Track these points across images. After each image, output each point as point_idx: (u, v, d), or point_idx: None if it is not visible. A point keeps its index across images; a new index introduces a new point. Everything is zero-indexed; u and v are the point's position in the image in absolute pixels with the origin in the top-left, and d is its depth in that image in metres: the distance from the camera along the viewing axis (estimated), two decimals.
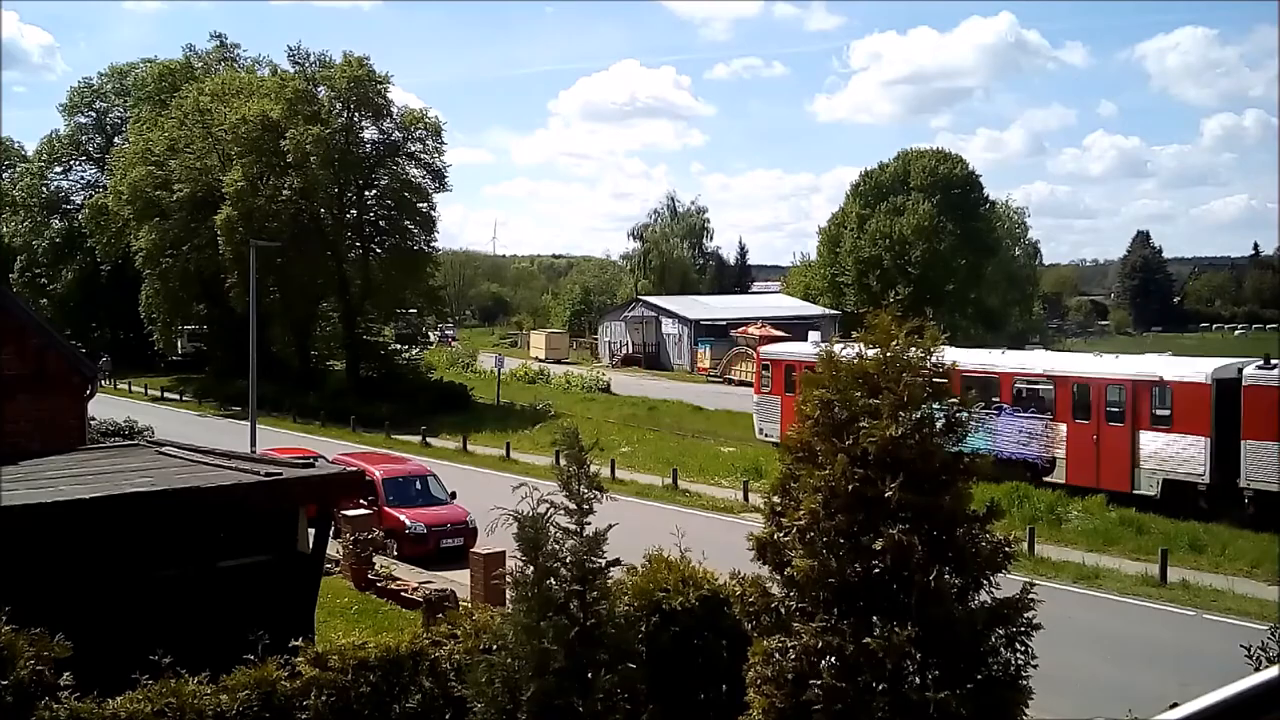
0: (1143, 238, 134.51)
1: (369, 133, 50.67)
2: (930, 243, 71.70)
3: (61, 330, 28.33)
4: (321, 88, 50.28)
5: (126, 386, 54.97)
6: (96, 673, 7.56)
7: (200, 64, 60.47)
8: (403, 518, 21.38)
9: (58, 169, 68.36)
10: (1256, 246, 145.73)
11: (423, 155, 50.52)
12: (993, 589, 7.35)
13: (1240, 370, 23.33)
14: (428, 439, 37.62)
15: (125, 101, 64.33)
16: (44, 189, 66.92)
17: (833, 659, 6.96)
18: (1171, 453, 23.71)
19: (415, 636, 9.41)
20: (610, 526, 7.25)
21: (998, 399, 27.20)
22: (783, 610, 7.45)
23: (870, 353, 7.47)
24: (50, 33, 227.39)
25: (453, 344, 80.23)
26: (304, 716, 8.02)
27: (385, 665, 8.53)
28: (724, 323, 66.64)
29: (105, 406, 33.61)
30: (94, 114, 67.68)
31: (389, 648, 8.74)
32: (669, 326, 70.16)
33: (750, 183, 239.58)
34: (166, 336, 55.08)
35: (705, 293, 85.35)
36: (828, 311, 72.87)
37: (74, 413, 14.40)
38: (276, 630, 8.76)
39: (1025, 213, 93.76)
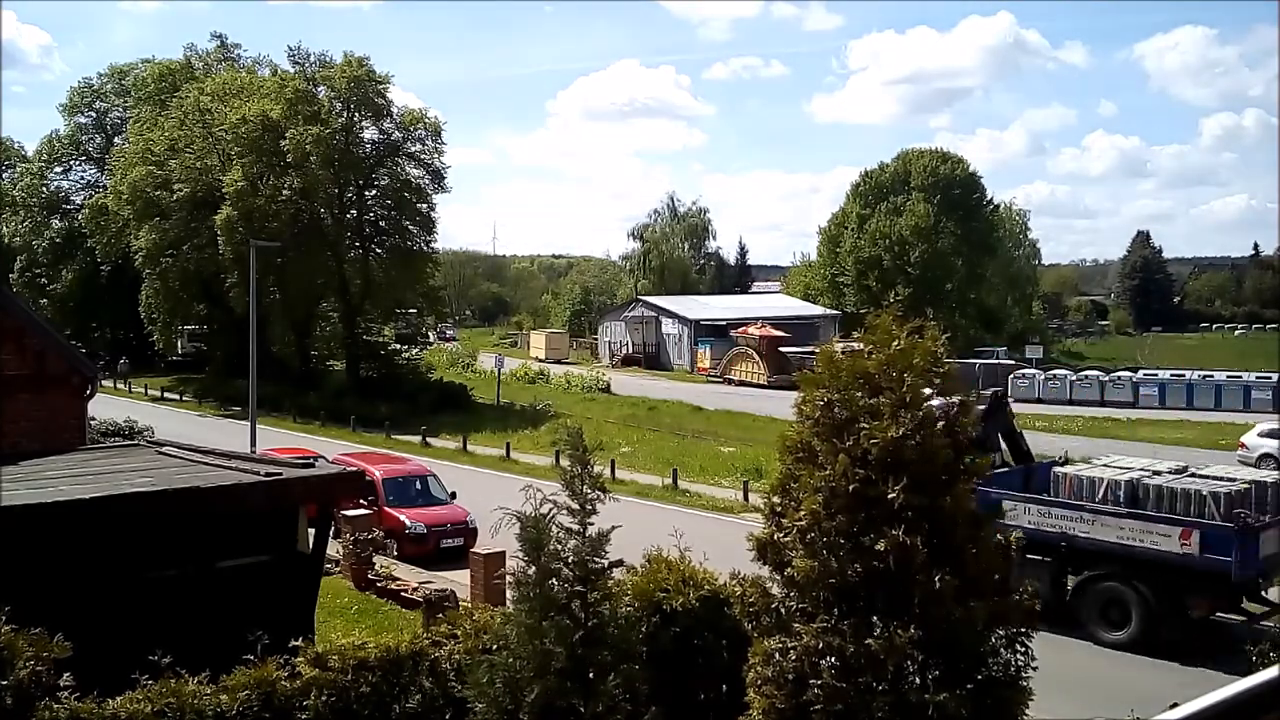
0: (1143, 238, 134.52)
1: (369, 133, 50.76)
2: (930, 243, 71.73)
3: (61, 330, 28.32)
4: (321, 88, 50.30)
5: (126, 386, 54.99)
6: (96, 673, 7.55)
7: (200, 64, 60.46)
8: (403, 518, 21.39)
9: (58, 169, 68.28)
10: (1256, 246, 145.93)
11: (422, 155, 50.59)
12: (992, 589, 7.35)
13: None
14: (428, 439, 37.61)
15: (125, 101, 64.29)
16: (44, 189, 66.85)
17: (833, 660, 6.96)
18: None
19: (415, 636, 9.41)
20: (614, 528, 7.25)
21: None
22: (783, 611, 7.45)
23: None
24: (48, 32, 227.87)
25: (451, 343, 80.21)
26: (304, 717, 8.01)
27: (385, 665, 8.53)
28: (724, 323, 66.66)
29: (105, 406, 33.60)
30: (94, 114, 67.63)
31: (389, 648, 8.73)
32: (669, 326, 70.16)
33: (750, 183, 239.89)
34: (166, 336, 55.05)
35: (705, 293, 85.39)
36: (828, 311, 72.89)
37: (74, 413, 14.40)
38: (276, 630, 8.75)
39: (1027, 215, 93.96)
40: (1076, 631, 16.39)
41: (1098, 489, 17.06)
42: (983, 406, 18.67)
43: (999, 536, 7.51)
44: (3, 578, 8.39)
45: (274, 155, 46.94)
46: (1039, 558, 16.40)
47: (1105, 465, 18.47)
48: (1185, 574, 15.76)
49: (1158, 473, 17.52)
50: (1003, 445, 19.42)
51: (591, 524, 7.16)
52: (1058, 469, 18.33)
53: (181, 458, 12.72)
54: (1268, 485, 16.86)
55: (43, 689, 7.21)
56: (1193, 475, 17.45)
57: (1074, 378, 51.75)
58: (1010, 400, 22.62)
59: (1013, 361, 58.11)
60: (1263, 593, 16.92)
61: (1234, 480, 16.85)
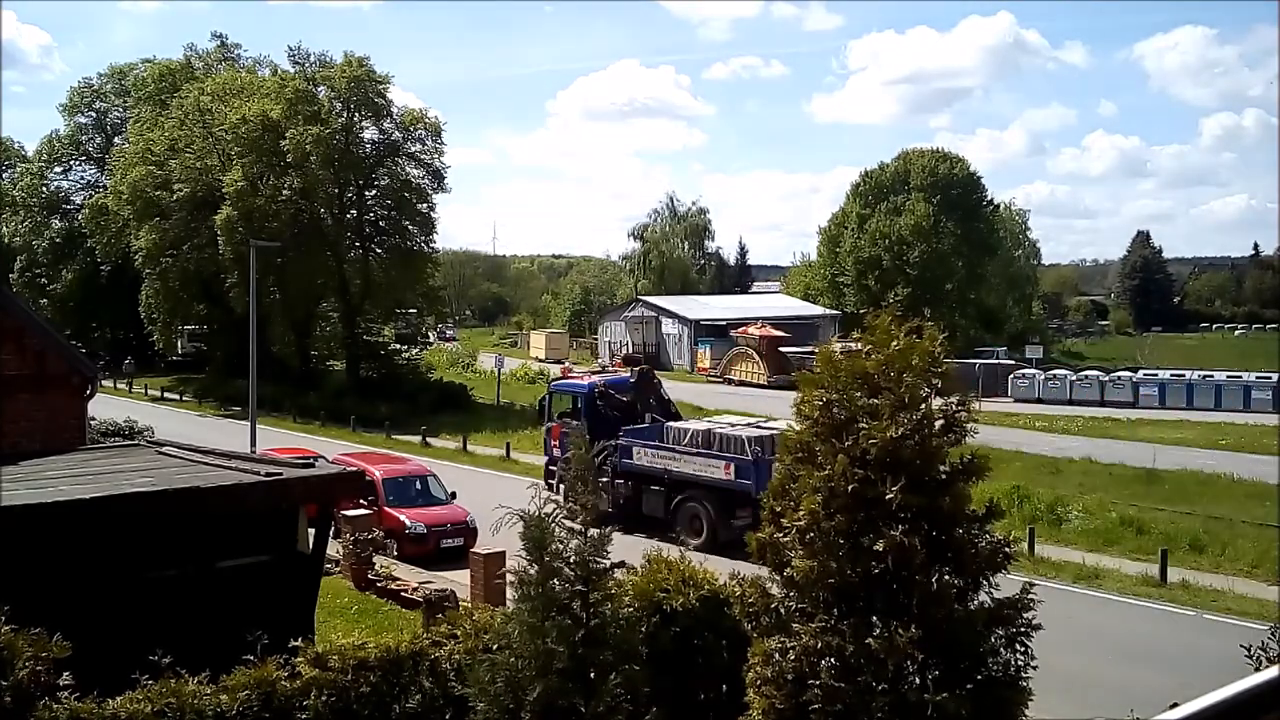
0: (1143, 238, 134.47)
1: (369, 133, 50.76)
2: (930, 243, 71.72)
3: (61, 330, 28.29)
4: (321, 88, 50.30)
5: (127, 386, 54.99)
6: (96, 673, 7.56)
7: (200, 64, 60.44)
8: (403, 518, 21.38)
9: (58, 169, 68.23)
10: (1256, 246, 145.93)
11: (422, 155, 50.58)
12: (992, 589, 7.35)
13: None
14: (428, 439, 37.58)
15: (125, 101, 64.26)
16: (44, 189, 66.80)
17: (833, 660, 6.96)
18: None
19: (415, 636, 9.41)
20: (615, 528, 7.25)
21: None
22: (783, 611, 7.45)
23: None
24: (48, 32, 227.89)
25: (451, 343, 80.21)
26: (304, 717, 8.01)
27: (385, 665, 8.53)
28: (724, 323, 66.63)
29: (105, 406, 33.59)
30: (94, 114, 67.58)
31: (389, 648, 8.73)
32: (669, 326, 70.15)
33: (750, 183, 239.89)
34: (166, 336, 55.02)
35: (705, 293, 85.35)
36: (828, 311, 72.88)
37: (74, 413, 14.39)
38: (276, 630, 8.76)
39: (1027, 215, 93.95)
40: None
41: (685, 437, 22.83)
42: (633, 380, 26.45)
43: (998, 535, 7.52)
44: (3, 578, 8.40)
45: (274, 155, 46.93)
46: (657, 487, 23.06)
47: (701, 420, 25.12)
48: (729, 494, 21.58)
49: (733, 425, 23.48)
50: (668, 408, 26.19)
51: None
52: (669, 424, 23.97)
53: (181, 458, 12.72)
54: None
55: (43, 689, 7.21)
56: (750, 427, 23.05)
57: (1074, 378, 51.73)
58: (658, 376, 28.83)
59: (1013, 361, 58.06)
60: None
61: (771, 429, 21.94)
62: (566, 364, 40.19)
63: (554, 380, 28.59)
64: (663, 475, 22.86)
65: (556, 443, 25.69)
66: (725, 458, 21.78)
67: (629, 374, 27.86)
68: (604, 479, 22.86)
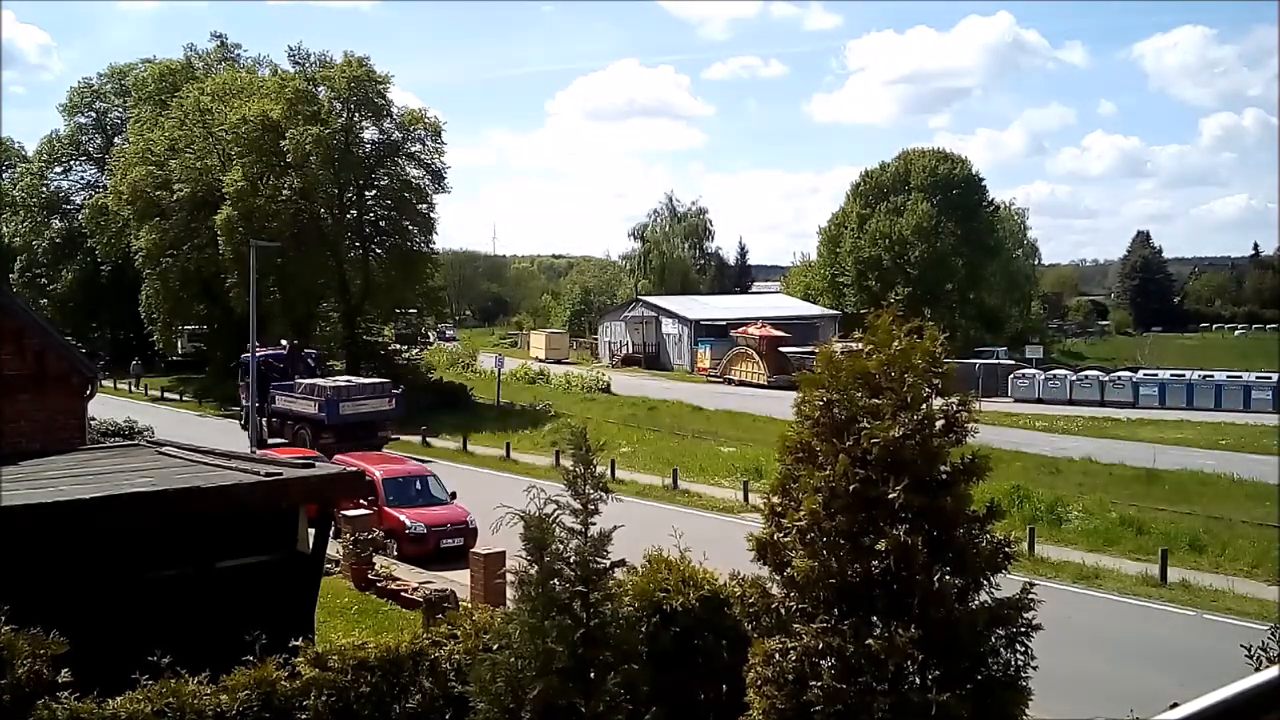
0: (1143, 238, 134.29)
1: (369, 133, 50.73)
2: (930, 243, 71.69)
3: (61, 330, 28.26)
4: (321, 88, 50.28)
5: (127, 386, 54.98)
6: (96, 673, 7.55)
7: (200, 64, 60.43)
8: (403, 518, 21.39)
9: (58, 169, 68.19)
10: (1256, 246, 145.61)
11: (422, 155, 50.57)
12: (993, 589, 7.35)
13: None
14: (428, 439, 37.60)
15: (125, 101, 64.19)
16: (44, 189, 66.75)
17: (833, 660, 6.96)
18: None
19: (415, 636, 9.41)
20: (615, 528, 7.24)
21: None
22: (783, 611, 7.44)
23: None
24: (48, 32, 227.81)
25: (451, 343, 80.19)
26: (304, 717, 8.01)
27: (385, 665, 8.53)
28: (724, 323, 66.60)
29: (105, 406, 33.59)
30: (94, 114, 67.55)
31: (389, 648, 8.73)
32: (669, 326, 70.13)
33: (750, 183, 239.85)
34: (166, 336, 54.99)
35: (705, 293, 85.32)
36: (828, 312, 72.87)
37: (74, 413, 14.38)
38: (276, 630, 8.75)
39: (1025, 213, 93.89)
40: None
41: (300, 388, 35.08)
42: (286, 353, 40.25)
43: (998, 535, 7.51)
44: (3, 578, 8.39)
45: (274, 155, 46.92)
46: (290, 422, 35.16)
47: (320, 379, 36.52)
48: (318, 422, 33.64)
49: (334, 380, 36.02)
50: (314, 373, 39.00)
51: (594, 524, 7.16)
52: (300, 380, 36.11)
53: (181, 458, 12.72)
54: (362, 384, 35.69)
55: (42, 688, 7.20)
56: (343, 381, 35.89)
57: (1074, 378, 51.73)
58: (314, 351, 43.56)
59: (1013, 361, 58.05)
60: (381, 433, 34.21)
61: (348, 382, 35.87)
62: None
63: (242, 354, 40.04)
64: (288, 413, 35.14)
65: (244, 396, 37.00)
66: (314, 400, 33.93)
67: (285, 350, 41.11)
68: (263, 417, 35.28)
